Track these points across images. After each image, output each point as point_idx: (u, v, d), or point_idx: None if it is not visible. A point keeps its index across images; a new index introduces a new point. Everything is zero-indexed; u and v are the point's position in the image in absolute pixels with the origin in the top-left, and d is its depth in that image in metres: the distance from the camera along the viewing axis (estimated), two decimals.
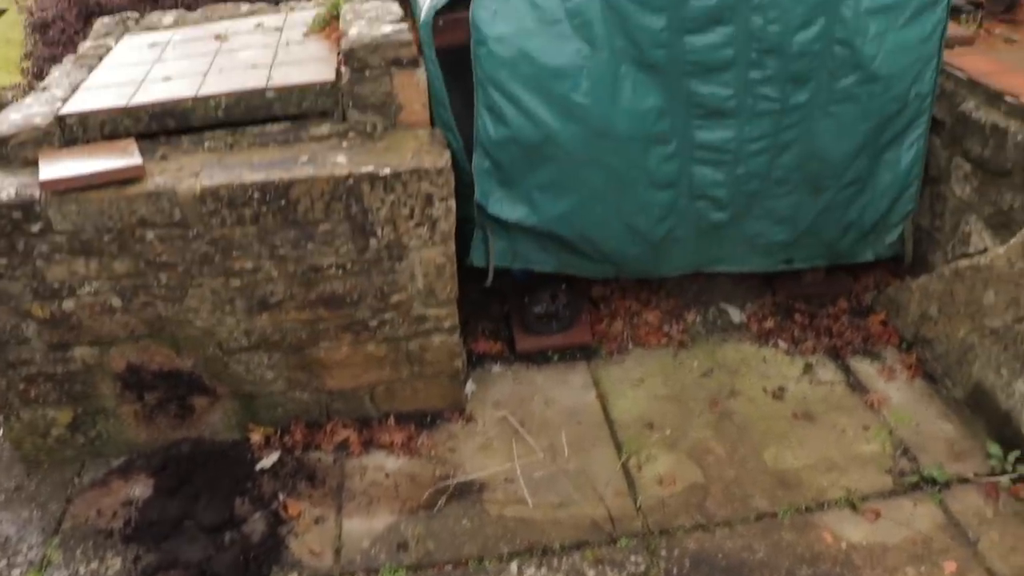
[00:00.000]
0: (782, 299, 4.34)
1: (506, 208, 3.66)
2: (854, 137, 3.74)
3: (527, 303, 4.07)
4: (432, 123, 3.57)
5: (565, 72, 3.42)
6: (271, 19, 4.36)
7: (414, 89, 3.49)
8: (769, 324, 4.20)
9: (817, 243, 4.05)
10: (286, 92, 3.49)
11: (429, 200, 3.32)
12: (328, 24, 4.00)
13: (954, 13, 4.08)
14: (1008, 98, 3.57)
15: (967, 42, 4.11)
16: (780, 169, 3.77)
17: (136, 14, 4.64)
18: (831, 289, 4.34)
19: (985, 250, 3.63)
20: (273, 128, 3.53)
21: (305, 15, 4.34)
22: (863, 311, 4.25)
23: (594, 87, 3.45)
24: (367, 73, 3.42)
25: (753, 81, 3.56)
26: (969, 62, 3.89)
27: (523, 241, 3.81)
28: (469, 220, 3.69)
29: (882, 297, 4.23)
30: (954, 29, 4.05)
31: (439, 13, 3.39)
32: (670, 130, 3.62)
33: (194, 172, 3.27)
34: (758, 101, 3.60)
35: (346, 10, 3.83)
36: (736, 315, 4.28)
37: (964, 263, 3.60)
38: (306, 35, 4.03)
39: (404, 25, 3.54)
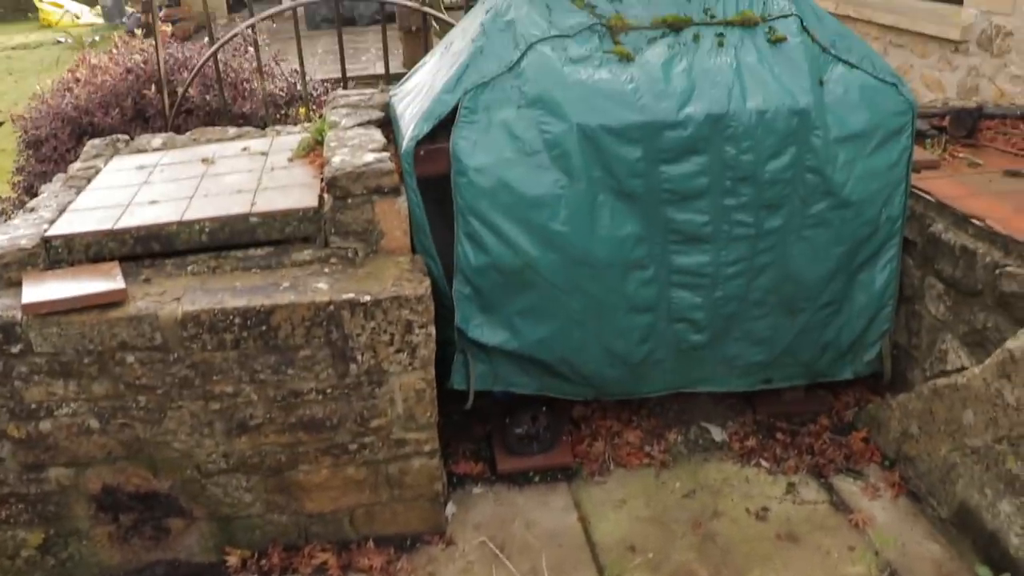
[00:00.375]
0: (763, 417, 4.33)
1: (487, 333, 3.69)
2: (828, 260, 3.81)
3: (508, 424, 4.06)
4: (413, 249, 3.62)
5: (544, 201, 3.50)
6: (257, 143, 4.45)
7: (395, 216, 3.55)
8: (751, 443, 4.18)
9: (795, 363, 4.08)
10: (269, 218, 3.55)
11: (409, 327, 3.35)
12: (313, 150, 4.08)
13: (919, 137, 4.20)
14: (975, 221, 3.67)
15: (933, 166, 4.24)
16: (757, 292, 3.82)
17: (126, 136, 4.73)
18: (811, 407, 4.35)
19: (962, 368, 3.66)
20: (256, 253, 3.57)
21: (291, 140, 4.43)
22: (844, 428, 4.24)
23: (572, 216, 3.53)
24: (349, 201, 3.49)
25: (728, 208, 3.65)
26: (936, 186, 4.01)
27: (504, 364, 3.82)
28: (450, 343, 3.71)
29: (863, 414, 4.23)
30: (920, 154, 4.18)
31: (420, 143, 3.49)
32: (648, 256, 3.68)
33: (176, 296, 3.30)
34: (733, 227, 3.68)
35: (330, 137, 3.92)
36: (718, 434, 4.27)
37: (942, 382, 3.61)
38: (291, 160, 4.11)
39: (386, 154, 3.63)
